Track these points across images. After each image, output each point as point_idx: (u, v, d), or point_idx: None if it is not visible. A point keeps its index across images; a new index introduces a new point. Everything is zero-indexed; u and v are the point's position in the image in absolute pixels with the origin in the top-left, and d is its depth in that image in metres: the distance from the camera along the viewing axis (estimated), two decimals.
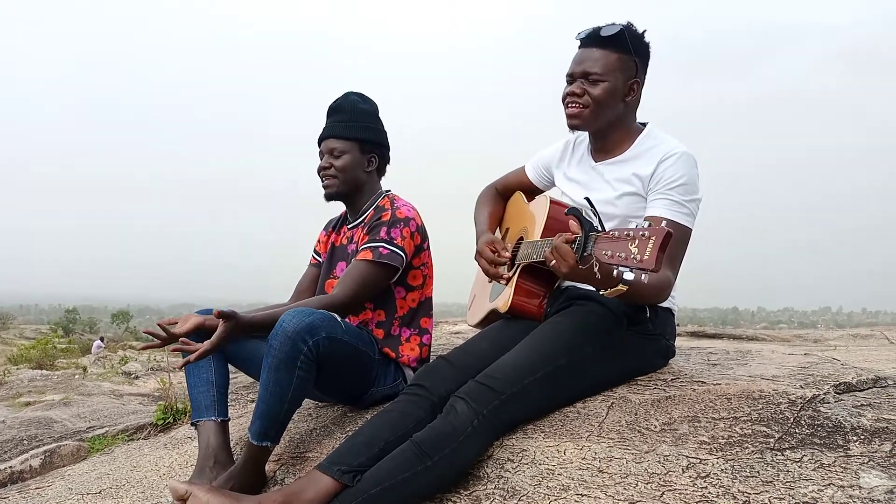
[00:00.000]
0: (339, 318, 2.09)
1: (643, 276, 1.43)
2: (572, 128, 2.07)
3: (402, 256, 2.26)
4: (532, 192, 2.41)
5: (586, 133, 2.16)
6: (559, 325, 2.00)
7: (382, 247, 2.24)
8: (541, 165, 2.38)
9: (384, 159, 2.48)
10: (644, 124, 2.11)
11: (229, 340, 1.97)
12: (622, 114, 2.04)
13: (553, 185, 2.34)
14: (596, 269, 1.54)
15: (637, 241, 1.42)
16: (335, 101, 2.45)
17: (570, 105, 2.03)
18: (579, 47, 2.04)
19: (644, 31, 2.02)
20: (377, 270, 2.24)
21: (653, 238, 1.40)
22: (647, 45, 2.03)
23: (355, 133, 2.39)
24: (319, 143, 2.43)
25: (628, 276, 1.46)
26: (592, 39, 2.00)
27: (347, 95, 2.46)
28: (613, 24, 1.99)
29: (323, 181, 2.41)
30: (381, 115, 2.49)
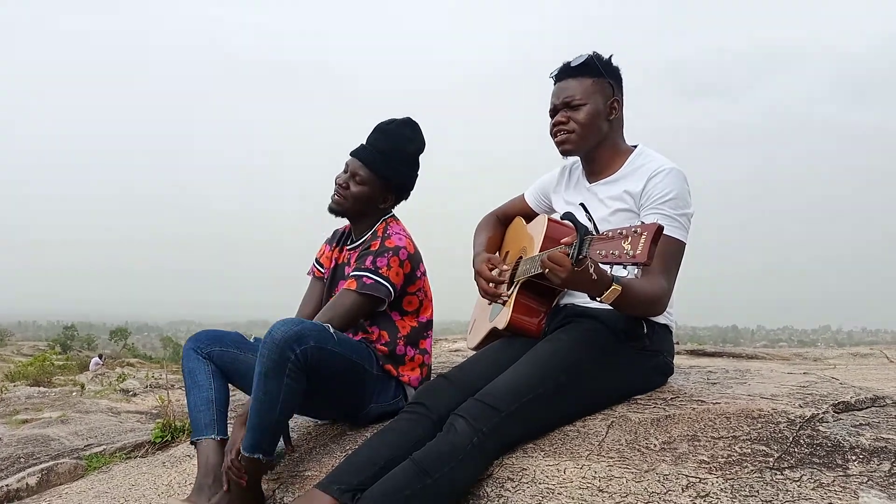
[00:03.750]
0: (331, 329, 2.09)
1: (636, 270, 1.46)
2: (564, 154, 2.16)
3: (386, 287, 2.26)
4: (532, 218, 2.44)
5: (579, 158, 2.22)
6: (558, 342, 2.01)
7: (366, 276, 2.25)
8: (539, 191, 2.43)
9: (400, 199, 2.49)
10: (635, 146, 2.16)
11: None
12: (608, 133, 2.12)
13: (552, 210, 2.39)
14: (592, 271, 1.59)
15: (630, 238, 1.46)
16: (389, 124, 2.42)
17: (558, 133, 2.11)
18: (555, 83, 2.14)
19: (611, 55, 2.12)
20: (360, 300, 2.24)
21: (645, 233, 1.44)
22: (616, 68, 2.12)
23: (385, 171, 2.38)
24: (350, 154, 2.42)
25: (621, 273, 1.50)
26: (565, 72, 2.11)
27: (402, 127, 2.42)
28: (581, 55, 2.10)
29: (334, 193, 2.41)
30: (422, 154, 2.46)
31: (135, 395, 8.37)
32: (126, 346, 43.87)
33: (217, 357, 2.32)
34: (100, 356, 23.94)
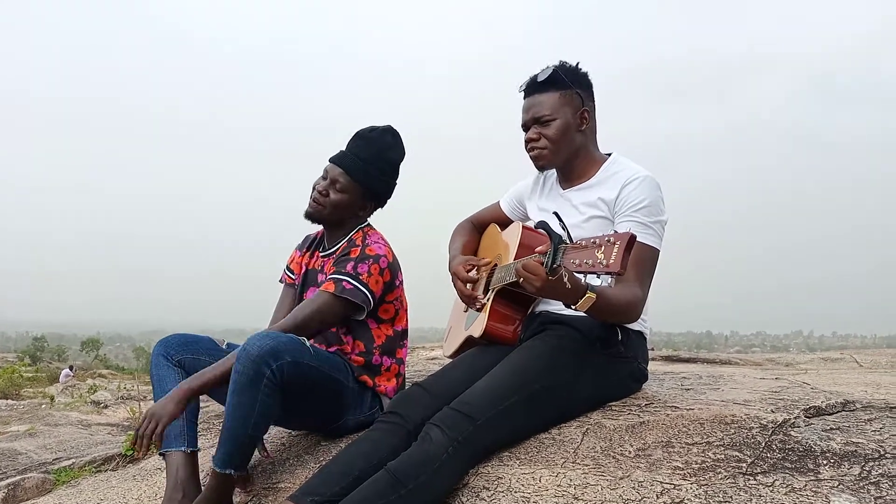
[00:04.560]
0: (307, 343, 2.06)
1: (610, 279, 1.47)
2: (540, 169, 2.18)
3: (365, 293, 2.22)
4: (507, 225, 2.44)
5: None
6: (533, 349, 2.01)
7: (346, 281, 2.21)
8: (514, 199, 2.44)
9: (378, 207, 2.45)
10: (609, 154, 2.17)
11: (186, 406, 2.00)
12: (582, 143, 2.13)
13: (527, 217, 2.39)
14: (566, 279, 1.59)
15: (603, 247, 1.46)
16: (368, 131, 2.37)
17: (531, 150, 2.12)
18: (524, 98, 2.14)
19: (577, 63, 2.12)
20: (335, 303, 2.20)
21: (618, 243, 1.44)
22: (584, 76, 2.12)
23: (367, 180, 2.32)
24: (330, 161, 2.35)
25: (594, 281, 1.50)
26: (533, 87, 2.11)
27: (384, 134, 2.37)
28: (547, 67, 2.09)
29: (311, 200, 2.34)
30: (403, 162, 2.42)
31: (106, 406, 8.20)
32: (98, 356, 43.06)
33: (188, 365, 2.26)
34: (70, 367, 23.44)
